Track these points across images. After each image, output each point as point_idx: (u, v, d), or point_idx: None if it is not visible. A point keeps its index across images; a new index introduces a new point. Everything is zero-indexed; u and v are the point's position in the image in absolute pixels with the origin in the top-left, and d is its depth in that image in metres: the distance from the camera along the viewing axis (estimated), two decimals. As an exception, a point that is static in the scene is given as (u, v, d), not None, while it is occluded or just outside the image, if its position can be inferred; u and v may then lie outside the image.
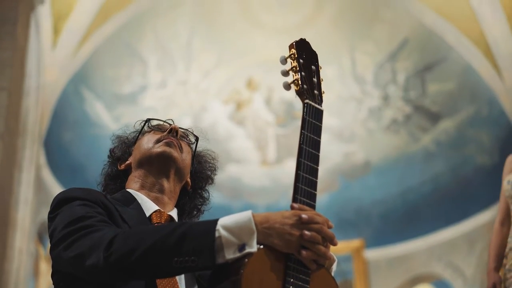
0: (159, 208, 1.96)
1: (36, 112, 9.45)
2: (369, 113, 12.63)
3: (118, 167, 2.17)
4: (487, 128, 11.23)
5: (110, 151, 2.26)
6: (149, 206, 1.95)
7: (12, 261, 8.31)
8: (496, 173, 10.88)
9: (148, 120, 2.18)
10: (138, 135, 2.18)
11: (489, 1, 10.18)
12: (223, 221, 1.55)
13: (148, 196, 1.99)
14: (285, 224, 1.55)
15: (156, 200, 1.99)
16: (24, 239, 8.65)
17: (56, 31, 10.02)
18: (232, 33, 12.39)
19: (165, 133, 2.10)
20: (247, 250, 1.52)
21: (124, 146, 2.21)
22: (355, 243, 12.03)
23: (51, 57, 9.99)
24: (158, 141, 2.07)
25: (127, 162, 2.15)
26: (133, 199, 1.97)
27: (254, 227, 1.54)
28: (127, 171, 2.15)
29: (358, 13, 11.87)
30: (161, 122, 2.19)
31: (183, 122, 12.52)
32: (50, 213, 1.84)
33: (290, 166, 12.77)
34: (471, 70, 11.06)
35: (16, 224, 8.55)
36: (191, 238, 1.54)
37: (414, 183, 12.19)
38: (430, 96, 12.03)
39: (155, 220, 1.91)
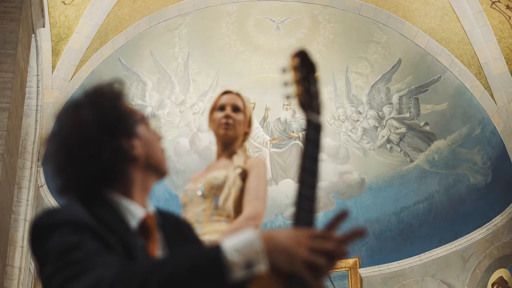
0: (144, 210, 1.77)
1: (36, 133, 9.57)
2: (364, 133, 12.76)
3: (130, 148, 1.75)
4: (479, 148, 11.35)
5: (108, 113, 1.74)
6: (135, 212, 1.74)
7: (12, 279, 8.39)
8: (488, 192, 11.05)
9: (154, 117, 1.92)
10: (142, 121, 1.83)
11: (481, 25, 10.37)
12: (229, 242, 1.51)
13: (136, 199, 1.77)
14: (289, 242, 1.52)
15: (142, 201, 1.79)
16: (24, 258, 8.73)
17: (56, 53, 10.18)
18: (228, 55, 12.56)
19: (161, 143, 1.88)
20: (255, 268, 1.49)
21: (130, 120, 1.78)
22: (350, 261, 12.09)
23: (50, 79, 10.14)
24: (163, 152, 1.85)
25: (139, 150, 1.77)
26: (116, 208, 1.73)
27: (260, 245, 1.50)
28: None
29: (352, 35, 12.03)
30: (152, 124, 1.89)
31: (181, 142, 12.65)
32: (35, 240, 1.63)
33: (285, 185, 12.86)
34: (464, 91, 11.21)
35: (16, 243, 8.65)
36: (200, 268, 1.48)
37: (408, 202, 12.28)
38: (424, 116, 12.16)
39: (144, 228, 1.76)
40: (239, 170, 3.40)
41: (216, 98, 3.61)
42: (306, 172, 1.65)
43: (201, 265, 1.48)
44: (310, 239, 1.53)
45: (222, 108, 3.55)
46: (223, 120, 3.50)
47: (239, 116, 3.54)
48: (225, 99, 3.57)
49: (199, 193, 3.40)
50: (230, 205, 3.34)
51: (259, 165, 3.49)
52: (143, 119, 1.82)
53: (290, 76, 1.76)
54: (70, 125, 1.73)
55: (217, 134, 3.56)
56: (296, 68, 1.76)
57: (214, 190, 3.37)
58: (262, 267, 1.49)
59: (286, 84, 1.75)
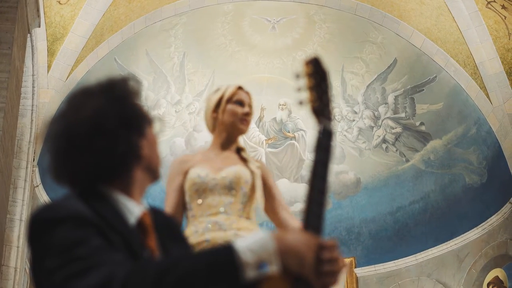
0: (141, 208, 1.75)
1: (31, 132, 9.56)
2: (359, 133, 12.78)
3: (139, 147, 1.73)
4: (475, 148, 11.37)
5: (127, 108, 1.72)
6: (133, 209, 1.71)
7: (7, 279, 8.39)
8: (484, 192, 11.07)
9: (160, 121, 1.88)
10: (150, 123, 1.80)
11: (476, 25, 10.39)
12: (243, 242, 1.52)
13: (134, 197, 1.74)
14: (301, 245, 1.54)
15: (138, 200, 1.77)
16: (19, 258, 8.72)
17: (51, 53, 10.17)
18: (224, 54, 12.56)
19: (158, 147, 1.87)
20: (268, 268, 1.51)
21: (141, 119, 1.76)
22: (346, 261, 12.09)
23: (46, 79, 10.13)
24: (159, 157, 1.84)
25: (145, 151, 1.76)
26: (114, 204, 1.69)
27: (273, 246, 1.52)
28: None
29: (348, 35, 12.05)
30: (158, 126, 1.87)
31: (176, 142, 12.65)
32: (35, 234, 1.57)
33: (281, 185, 12.87)
34: (459, 90, 11.24)
35: (11, 243, 8.64)
36: (214, 267, 1.49)
37: (404, 202, 12.30)
38: (419, 116, 12.18)
39: (141, 226, 1.74)
40: (259, 171, 3.43)
41: (232, 90, 3.53)
42: (317, 177, 1.68)
43: (215, 264, 1.49)
44: (319, 247, 1.56)
45: (241, 103, 3.52)
46: (245, 117, 3.48)
47: (251, 117, 3.58)
48: (243, 96, 3.55)
49: (227, 184, 3.38)
50: (260, 204, 3.40)
51: (268, 169, 3.59)
52: (151, 121, 1.80)
53: (303, 82, 1.78)
54: (84, 111, 1.67)
55: (230, 126, 3.49)
56: (310, 75, 1.78)
57: (244, 186, 3.37)
58: (274, 268, 1.51)
59: (299, 90, 1.77)
